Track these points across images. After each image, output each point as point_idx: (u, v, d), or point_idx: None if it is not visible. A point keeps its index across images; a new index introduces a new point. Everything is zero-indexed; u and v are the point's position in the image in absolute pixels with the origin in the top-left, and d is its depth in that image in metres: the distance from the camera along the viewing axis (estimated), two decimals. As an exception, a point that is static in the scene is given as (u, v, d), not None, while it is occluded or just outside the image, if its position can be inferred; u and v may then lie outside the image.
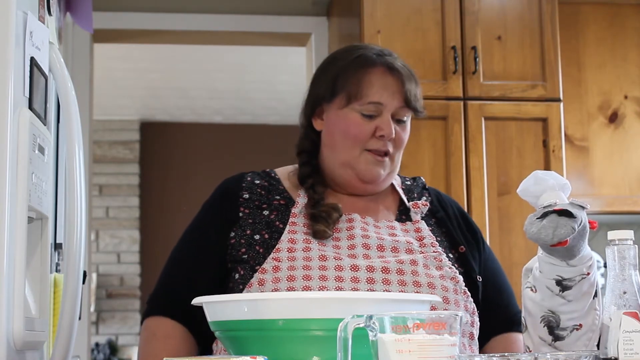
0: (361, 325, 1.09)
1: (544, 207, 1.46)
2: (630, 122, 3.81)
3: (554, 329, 1.51)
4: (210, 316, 1.35)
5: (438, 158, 3.38)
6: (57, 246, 1.70)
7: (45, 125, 1.44)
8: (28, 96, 1.35)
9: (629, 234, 1.34)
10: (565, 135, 3.53)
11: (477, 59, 3.42)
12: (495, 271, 1.86)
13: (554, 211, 1.43)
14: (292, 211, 1.74)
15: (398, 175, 1.91)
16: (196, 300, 1.37)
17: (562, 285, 1.50)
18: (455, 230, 1.82)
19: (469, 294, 1.70)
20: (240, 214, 1.75)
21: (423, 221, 1.79)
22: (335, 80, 1.77)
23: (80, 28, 1.98)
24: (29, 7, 1.38)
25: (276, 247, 1.68)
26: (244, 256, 1.70)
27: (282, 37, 4.17)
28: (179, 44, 4.85)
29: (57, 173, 1.68)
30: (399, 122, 1.78)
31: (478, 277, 1.76)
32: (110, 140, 6.91)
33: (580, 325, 1.49)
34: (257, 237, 1.72)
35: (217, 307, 1.33)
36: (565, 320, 1.50)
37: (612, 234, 1.34)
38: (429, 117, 3.36)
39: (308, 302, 1.25)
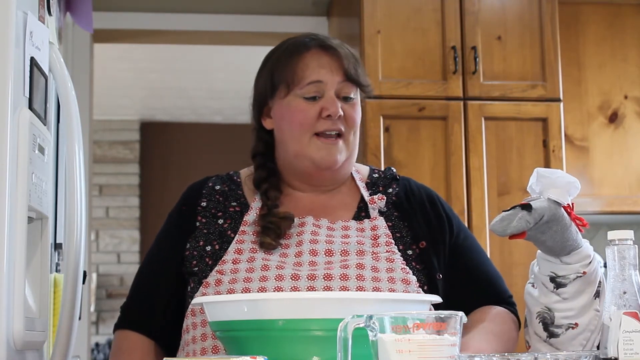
0: (361, 325, 1.09)
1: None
2: (630, 122, 3.81)
3: (548, 325, 1.51)
4: (211, 316, 1.35)
5: (438, 158, 3.38)
6: (57, 246, 1.70)
7: (45, 125, 1.44)
8: (28, 96, 1.35)
9: (629, 234, 1.34)
10: (565, 135, 3.53)
11: (477, 59, 3.42)
12: (468, 255, 1.77)
13: (520, 205, 1.46)
14: (244, 219, 1.72)
15: (368, 167, 1.87)
16: (195, 301, 1.38)
17: (556, 282, 1.51)
18: (419, 223, 1.75)
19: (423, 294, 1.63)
20: (197, 224, 1.75)
21: (382, 218, 1.73)
22: (272, 73, 1.75)
23: (80, 28, 1.98)
24: (29, 7, 1.38)
25: (222, 258, 1.67)
26: (194, 269, 1.70)
27: (282, 37, 4.14)
28: (179, 44, 4.85)
29: (57, 173, 1.68)
30: (346, 99, 1.72)
31: (438, 274, 1.70)
32: (110, 140, 6.91)
33: (576, 325, 1.50)
34: (208, 248, 1.71)
35: (217, 307, 1.33)
36: (560, 318, 1.50)
37: (612, 234, 1.34)
38: (429, 117, 3.41)
39: (308, 302, 1.25)
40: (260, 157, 1.80)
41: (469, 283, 1.74)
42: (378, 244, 1.68)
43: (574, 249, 1.50)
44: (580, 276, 1.50)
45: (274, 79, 1.74)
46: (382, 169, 1.89)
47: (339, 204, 1.78)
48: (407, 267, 1.65)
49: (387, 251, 1.66)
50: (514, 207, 1.46)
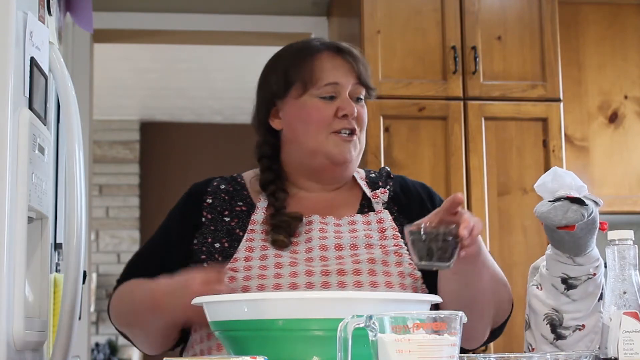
0: (361, 325, 1.09)
1: (558, 196, 1.47)
2: (630, 122, 3.81)
3: (556, 327, 1.51)
4: (211, 316, 1.35)
5: (438, 158, 3.38)
6: (57, 246, 1.70)
7: (45, 125, 1.44)
8: (28, 96, 1.35)
9: (629, 234, 1.34)
10: (565, 135, 3.52)
11: (477, 59, 3.42)
12: None
13: (567, 198, 1.44)
14: (252, 218, 1.75)
15: (363, 169, 1.90)
16: (196, 300, 1.38)
17: (568, 283, 1.51)
18: (419, 216, 1.69)
19: (427, 291, 1.65)
20: (203, 219, 1.77)
21: (386, 210, 1.77)
22: (286, 73, 1.79)
23: (80, 28, 1.98)
24: (29, 7, 1.38)
25: (234, 256, 1.68)
26: (204, 264, 1.71)
27: (282, 37, 4.17)
28: (179, 44, 4.85)
29: (57, 173, 1.68)
30: (358, 100, 1.80)
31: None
32: (110, 140, 6.91)
33: (583, 326, 1.50)
34: (217, 245, 1.73)
35: (217, 307, 1.33)
36: (568, 320, 1.50)
37: (612, 234, 1.34)
38: (429, 117, 3.41)
39: (308, 302, 1.25)
40: (266, 160, 1.82)
41: None
42: (385, 236, 1.71)
43: (589, 250, 1.50)
44: (591, 277, 1.50)
45: (288, 78, 1.78)
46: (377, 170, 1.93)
47: (343, 202, 1.81)
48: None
49: (394, 245, 1.69)
50: (557, 199, 1.45)
